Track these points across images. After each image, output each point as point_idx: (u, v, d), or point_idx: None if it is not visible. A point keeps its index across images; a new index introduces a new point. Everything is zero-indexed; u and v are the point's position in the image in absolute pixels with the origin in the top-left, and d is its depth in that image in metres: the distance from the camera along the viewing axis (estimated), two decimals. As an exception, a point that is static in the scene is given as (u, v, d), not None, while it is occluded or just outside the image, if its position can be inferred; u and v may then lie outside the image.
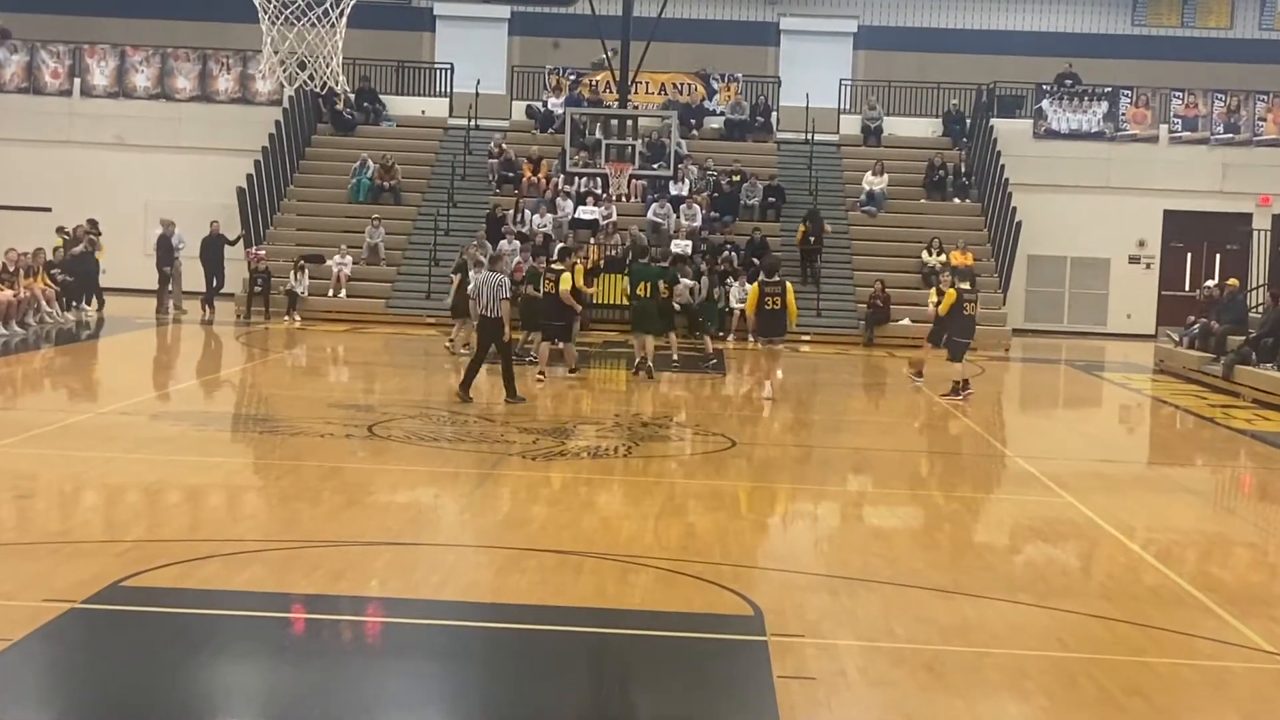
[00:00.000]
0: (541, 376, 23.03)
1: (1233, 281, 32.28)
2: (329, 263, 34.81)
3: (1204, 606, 10.86)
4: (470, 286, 21.24)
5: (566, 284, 23.53)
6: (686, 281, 30.95)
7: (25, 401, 21.30)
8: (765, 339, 23.49)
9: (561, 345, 23.85)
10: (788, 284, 23.30)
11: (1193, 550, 13.52)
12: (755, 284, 23.79)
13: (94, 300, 32.71)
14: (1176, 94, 39.94)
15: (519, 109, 41.52)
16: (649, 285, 25.07)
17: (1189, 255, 39.96)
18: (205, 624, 9.55)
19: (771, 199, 37.54)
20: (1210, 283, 35.23)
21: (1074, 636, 9.95)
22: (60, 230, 33.15)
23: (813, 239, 36.25)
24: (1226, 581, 12.06)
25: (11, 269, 28.45)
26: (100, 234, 33.58)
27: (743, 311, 30.75)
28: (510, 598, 10.40)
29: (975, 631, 9.95)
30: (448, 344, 27.23)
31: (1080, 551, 13.14)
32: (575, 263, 25.69)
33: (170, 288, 33.74)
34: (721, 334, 31.19)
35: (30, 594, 9.80)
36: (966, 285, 23.59)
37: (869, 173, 38.37)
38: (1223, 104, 39.68)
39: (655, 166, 33.57)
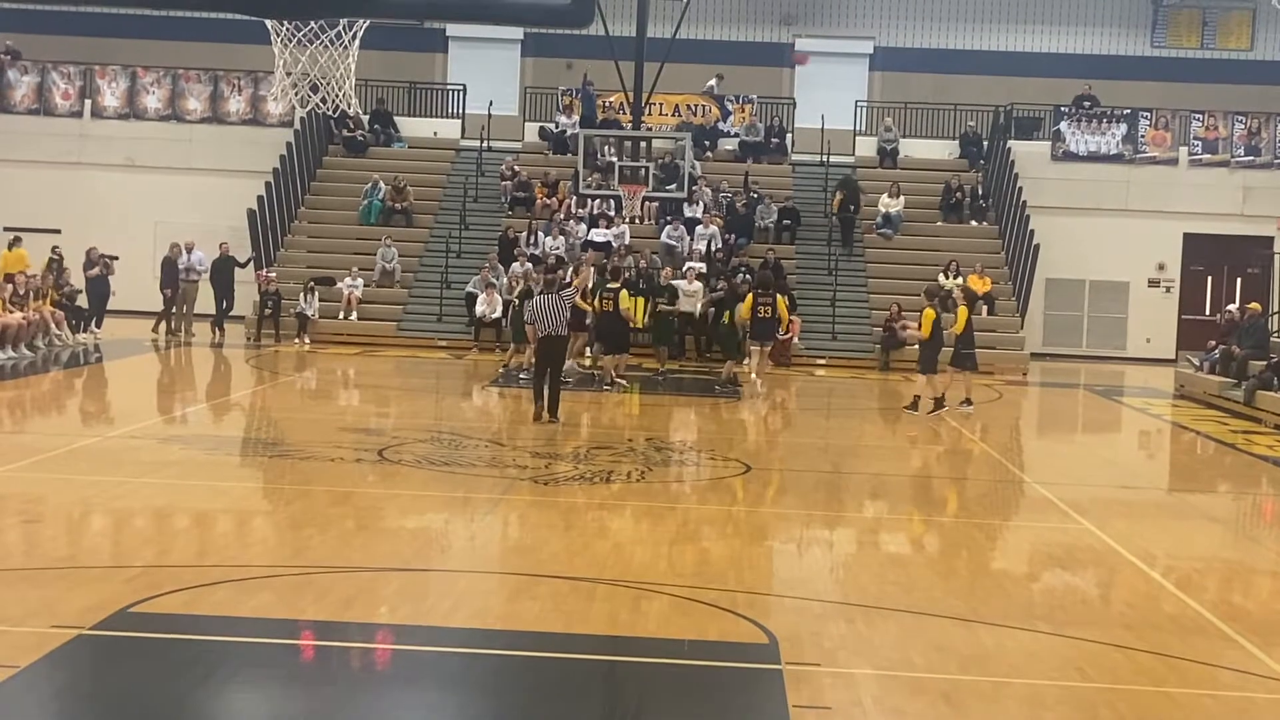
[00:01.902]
0: (614, 385, 25.77)
1: (1254, 306, 32.05)
2: (340, 285, 34.72)
3: (1226, 636, 10.73)
4: (526, 310, 21.64)
5: (625, 302, 26.54)
6: (685, 288, 30.96)
7: (33, 425, 21.26)
8: (757, 341, 27.15)
9: (616, 358, 26.28)
10: (778, 296, 27.16)
11: (1214, 578, 13.36)
12: (750, 294, 27.21)
13: (101, 323, 32.67)
14: (1196, 116, 39.76)
15: (532, 130, 41.49)
16: (612, 303, 26.60)
17: (1209, 279, 39.79)
18: (214, 650, 9.43)
19: (786, 221, 37.43)
20: (1231, 307, 35.02)
21: (1093, 666, 9.81)
22: (54, 249, 33.03)
23: (852, 207, 37.29)
24: (1249, 610, 11.92)
25: (21, 292, 28.38)
26: (115, 258, 33.55)
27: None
28: (521, 625, 10.31)
29: (993, 661, 9.83)
30: (503, 370, 27.39)
31: (1099, 579, 13.00)
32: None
33: (183, 310, 33.75)
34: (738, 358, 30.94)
35: (37, 620, 9.72)
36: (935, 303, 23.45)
37: (885, 195, 38.24)
38: (1243, 126, 39.49)
39: (669, 188, 33.51)
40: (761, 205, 37.50)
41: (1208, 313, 38.68)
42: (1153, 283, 39.50)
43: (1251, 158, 39.36)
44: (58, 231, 36.00)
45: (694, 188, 36.04)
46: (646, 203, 35.98)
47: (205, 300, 33.99)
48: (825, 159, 39.82)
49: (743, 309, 27.14)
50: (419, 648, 9.78)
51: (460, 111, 41.76)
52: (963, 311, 24.68)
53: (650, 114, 38.33)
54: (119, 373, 28.07)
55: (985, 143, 40.54)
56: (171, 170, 39.20)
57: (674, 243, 35.61)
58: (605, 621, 10.38)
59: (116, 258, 33.62)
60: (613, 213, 36.05)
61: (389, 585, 11.30)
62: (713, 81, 41.17)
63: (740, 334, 28.45)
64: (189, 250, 34.07)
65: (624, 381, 26.19)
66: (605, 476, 16.64)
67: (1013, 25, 44.18)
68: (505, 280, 33.57)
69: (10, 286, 28.10)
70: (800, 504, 16.00)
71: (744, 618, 10.56)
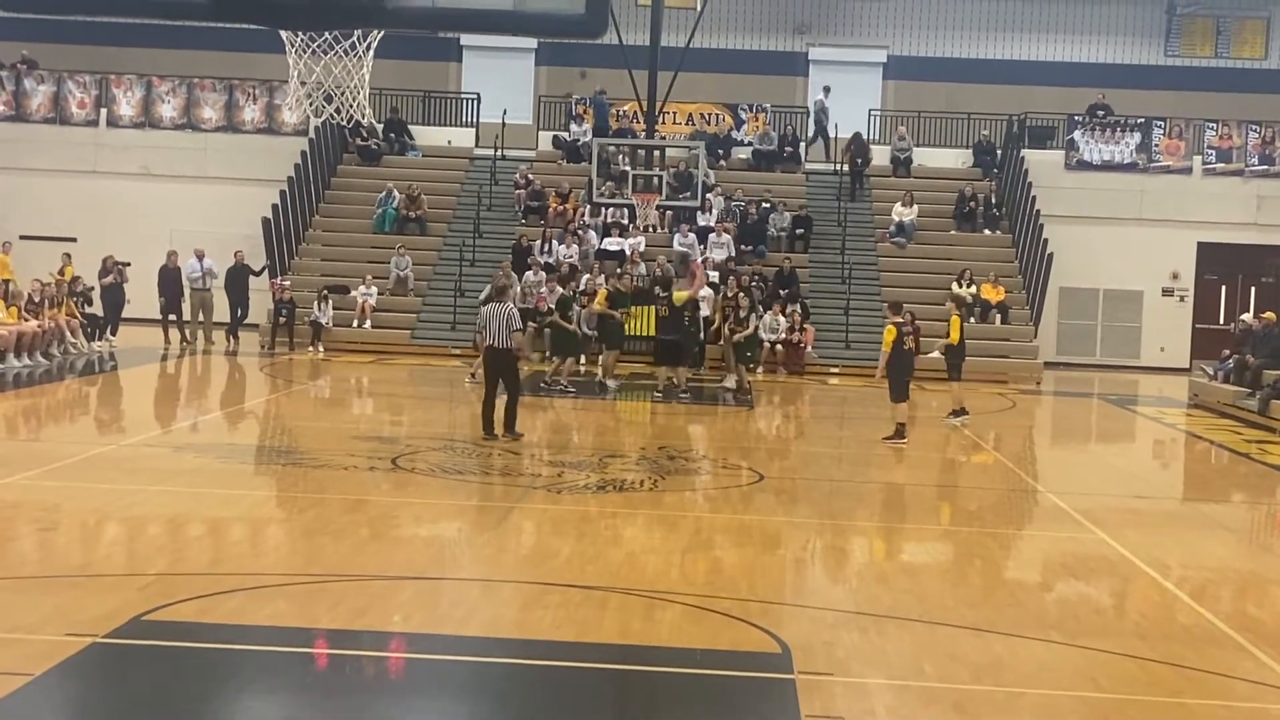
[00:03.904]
0: (685, 394, 26.19)
1: (1269, 315, 31.95)
2: (354, 293, 34.74)
3: (1240, 646, 10.70)
4: (478, 318, 20.91)
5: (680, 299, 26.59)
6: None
7: (48, 433, 21.29)
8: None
9: (671, 370, 26.59)
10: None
11: (1228, 588, 13.33)
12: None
13: (116, 331, 32.72)
14: (1210, 125, 39.68)
15: (545, 139, 41.50)
16: (668, 309, 26.72)
17: (1223, 288, 39.73)
18: (228, 659, 9.47)
19: (800, 230, 37.42)
20: (1245, 316, 34.96)
21: (1108, 676, 9.79)
22: (65, 256, 32.99)
23: (859, 160, 38.88)
24: (1263, 621, 11.88)
25: (37, 299, 28.44)
26: (128, 264, 33.59)
27: (773, 343, 31.05)
28: (534, 633, 10.30)
29: (1007, 671, 9.82)
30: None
31: (1113, 589, 12.97)
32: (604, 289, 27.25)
33: (198, 318, 33.82)
34: (752, 366, 30.80)
35: (52, 628, 9.72)
36: (901, 319, 22.50)
37: (898, 204, 38.22)
38: (1257, 135, 39.42)
39: (682, 197, 33.47)
40: (775, 214, 37.49)
41: (1222, 322, 38.61)
42: (1167, 292, 39.43)
43: (1266, 167, 39.27)
44: (73, 240, 36.05)
45: (707, 197, 36.02)
46: (665, 212, 35.96)
47: (220, 309, 34.03)
48: (839, 168, 39.86)
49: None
50: (432, 656, 9.77)
51: (474, 120, 41.79)
52: (955, 321, 24.40)
53: (664, 122, 38.32)
54: (133, 381, 28.10)
55: (999, 151, 40.51)
56: (186, 179, 39.26)
57: (686, 250, 35.61)
58: (618, 630, 10.38)
59: (129, 264, 33.65)
60: (626, 221, 36.04)
61: (402, 593, 11.32)
62: (820, 95, 41.21)
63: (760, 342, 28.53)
64: (200, 258, 34.11)
65: (686, 395, 26.30)
66: (618, 485, 16.63)
67: (1026, 34, 44.16)
68: (518, 289, 33.58)
69: (26, 294, 28.18)
70: (813, 513, 15.96)
71: (756, 627, 10.55)
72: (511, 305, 20.24)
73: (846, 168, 39.51)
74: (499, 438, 19.64)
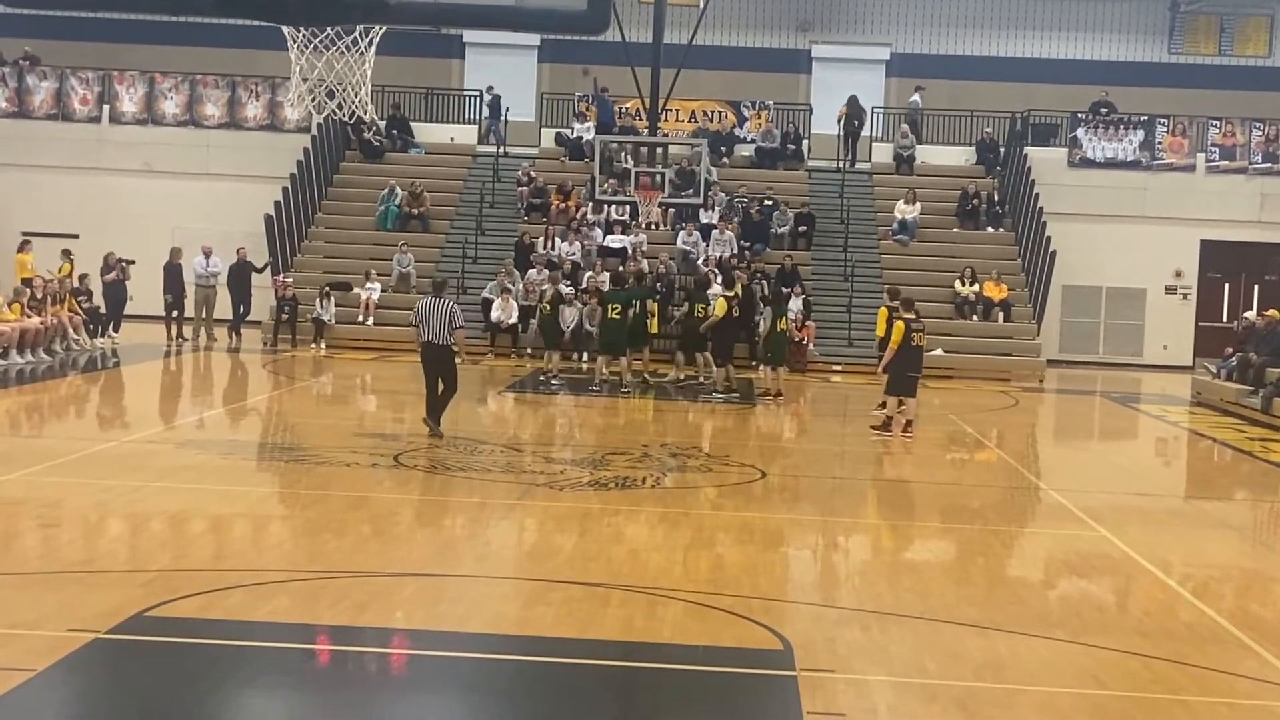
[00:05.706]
0: (720, 394, 26.30)
1: (1272, 312, 31.88)
2: (356, 290, 34.70)
3: (1242, 644, 10.69)
4: (414, 313, 20.25)
5: (721, 309, 26.76)
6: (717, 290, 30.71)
7: (50, 429, 21.30)
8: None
9: (718, 367, 26.89)
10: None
11: (1231, 586, 13.32)
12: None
13: (119, 327, 32.69)
14: (1213, 123, 39.63)
15: (548, 136, 41.48)
16: (618, 308, 27.06)
17: (1226, 286, 39.73)
18: (230, 655, 9.47)
19: (802, 227, 37.39)
20: (1249, 314, 34.93)
21: (1110, 674, 9.80)
22: (66, 253, 32.89)
23: (856, 122, 39.84)
24: (1266, 619, 11.85)
25: (39, 296, 28.44)
26: (132, 261, 33.59)
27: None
28: (536, 630, 10.31)
29: (1009, 668, 9.81)
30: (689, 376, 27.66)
31: (1116, 587, 12.97)
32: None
33: (202, 314, 33.80)
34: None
35: (54, 624, 9.74)
36: (912, 315, 22.23)
37: (901, 201, 38.18)
38: (1260, 133, 39.36)
39: (685, 194, 33.43)
40: (777, 212, 37.46)
41: (1225, 320, 38.62)
42: (1170, 289, 39.42)
43: (1269, 164, 39.23)
44: (75, 236, 36.07)
45: (710, 194, 36.00)
46: (667, 209, 35.93)
47: (222, 305, 34.03)
48: (841, 165, 39.86)
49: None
50: (434, 653, 9.78)
51: (477, 117, 41.78)
52: (883, 313, 24.30)
53: (666, 120, 38.31)
54: (136, 377, 28.09)
55: (1002, 149, 40.47)
56: (189, 175, 39.29)
57: (689, 248, 35.62)
58: (620, 627, 10.38)
59: (133, 261, 33.65)
60: (629, 219, 36.02)
61: (404, 590, 11.31)
62: (915, 97, 41.22)
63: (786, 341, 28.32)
64: (208, 255, 34.13)
65: (723, 394, 26.39)
66: (621, 482, 16.63)
67: (1029, 31, 44.14)
68: (521, 286, 33.61)
69: (29, 291, 28.17)
70: (815, 510, 15.97)
71: (759, 624, 10.55)
72: (452, 302, 19.89)
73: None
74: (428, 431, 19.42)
